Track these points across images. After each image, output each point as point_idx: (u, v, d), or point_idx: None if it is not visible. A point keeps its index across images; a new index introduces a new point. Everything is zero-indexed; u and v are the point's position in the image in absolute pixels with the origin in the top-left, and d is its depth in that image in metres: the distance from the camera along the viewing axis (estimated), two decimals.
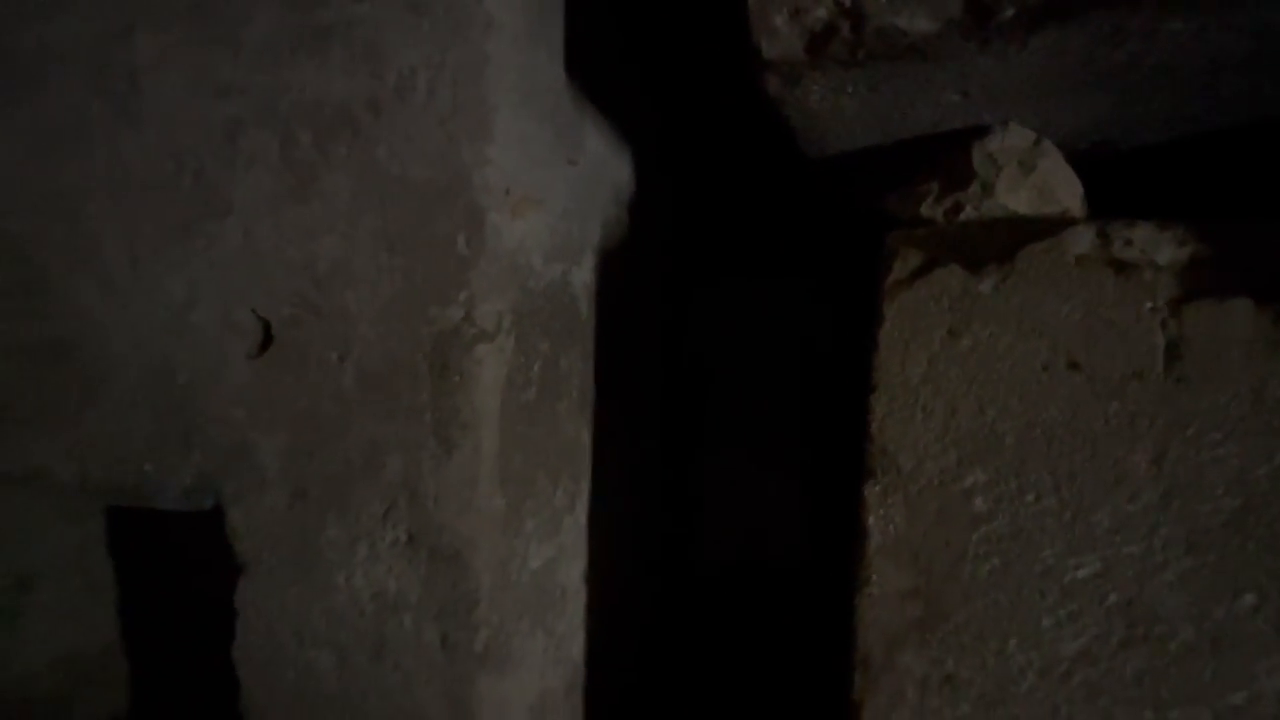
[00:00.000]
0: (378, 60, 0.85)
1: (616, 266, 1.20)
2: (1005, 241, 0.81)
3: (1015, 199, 0.88)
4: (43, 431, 1.01)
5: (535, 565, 1.04)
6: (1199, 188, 1.10)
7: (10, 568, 1.45)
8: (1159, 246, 0.78)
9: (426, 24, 0.83)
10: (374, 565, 0.94)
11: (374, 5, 0.84)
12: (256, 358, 0.93)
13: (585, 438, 1.16)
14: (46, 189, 0.97)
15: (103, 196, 0.95)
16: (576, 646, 1.20)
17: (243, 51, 0.88)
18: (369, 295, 0.88)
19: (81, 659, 1.59)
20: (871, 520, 0.84)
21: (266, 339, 0.93)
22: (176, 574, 1.65)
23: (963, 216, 0.89)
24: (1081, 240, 0.78)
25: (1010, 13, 0.68)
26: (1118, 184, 1.05)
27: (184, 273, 0.94)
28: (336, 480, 0.93)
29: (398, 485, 0.91)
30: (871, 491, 0.84)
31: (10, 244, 0.99)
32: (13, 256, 0.99)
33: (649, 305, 1.39)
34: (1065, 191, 0.91)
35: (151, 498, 1.00)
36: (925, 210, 0.92)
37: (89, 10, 0.92)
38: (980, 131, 0.94)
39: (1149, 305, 0.74)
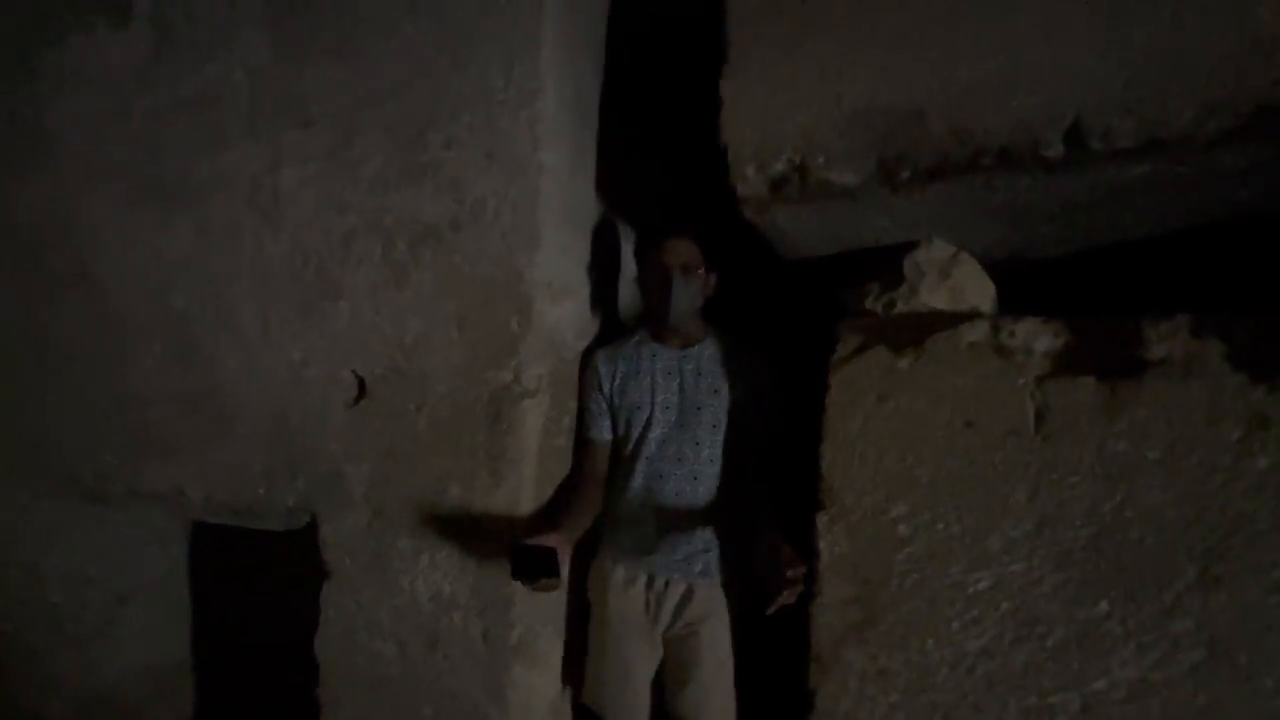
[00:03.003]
0: (459, 190, 1.16)
1: None
2: (920, 330, 1.07)
3: (935, 298, 1.16)
4: (183, 460, 1.30)
5: None
6: (1110, 285, 1.36)
7: (113, 584, 1.72)
8: (1039, 336, 1.04)
9: (496, 166, 1.14)
10: (433, 572, 1.19)
11: (459, 151, 1.15)
12: (353, 406, 1.21)
13: None
14: (203, 274, 1.29)
15: (245, 282, 1.27)
16: None
17: (360, 181, 1.20)
18: (443, 361, 1.17)
19: (160, 669, 1.82)
20: (822, 543, 1.08)
21: (361, 392, 1.21)
22: (240, 601, 1.90)
23: (895, 311, 1.16)
24: (976, 331, 1.05)
25: (907, 175, 0.97)
26: (1046, 285, 1.32)
27: (302, 340, 1.24)
28: (408, 502, 1.19)
29: (456, 507, 1.17)
30: (822, 520, 1.08)
31: (172, 316, 1.30)
32: (173, 325, 1.30)
33: None
34: (976, 292, 1.18)
35: (261, 517, 1.27)
36: (869, 304, 1.19)
37: (249, 150, 1.25)
38: (913, 245, 1.22)
39: (1021, 381, 1.00)
